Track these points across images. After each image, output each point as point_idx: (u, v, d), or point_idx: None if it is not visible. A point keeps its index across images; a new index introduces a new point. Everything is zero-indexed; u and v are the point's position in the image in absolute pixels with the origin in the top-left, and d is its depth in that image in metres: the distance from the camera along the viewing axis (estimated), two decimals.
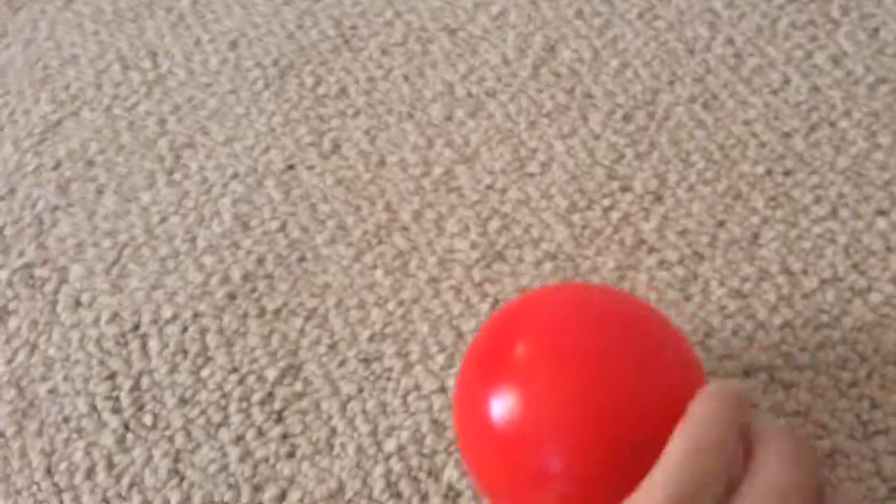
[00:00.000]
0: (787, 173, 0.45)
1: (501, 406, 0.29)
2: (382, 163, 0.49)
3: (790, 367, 0.39)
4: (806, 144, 0.46)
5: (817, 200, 0.44)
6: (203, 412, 0.40)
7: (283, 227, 0.46)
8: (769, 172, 0.46)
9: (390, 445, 0.39)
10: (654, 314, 0.31)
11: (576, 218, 0.45)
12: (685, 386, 0.28)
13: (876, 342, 0.39)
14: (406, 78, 0.52)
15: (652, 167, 0.47)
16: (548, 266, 0.44)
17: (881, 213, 0.43)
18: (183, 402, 0.41)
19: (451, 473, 0.38)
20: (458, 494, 0.37)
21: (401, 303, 0.43)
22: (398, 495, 0.37)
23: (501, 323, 0.32)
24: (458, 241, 0.45)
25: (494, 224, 0.45)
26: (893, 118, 0.47)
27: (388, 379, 0.41)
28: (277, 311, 0.43)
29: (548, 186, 0.47)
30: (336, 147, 0.50)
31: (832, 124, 0.47)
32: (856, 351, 0.39)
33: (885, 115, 0.47)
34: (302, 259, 0.45)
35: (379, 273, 0.44)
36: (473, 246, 0.45)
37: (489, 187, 0.47)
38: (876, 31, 0.51)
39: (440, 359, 0.41)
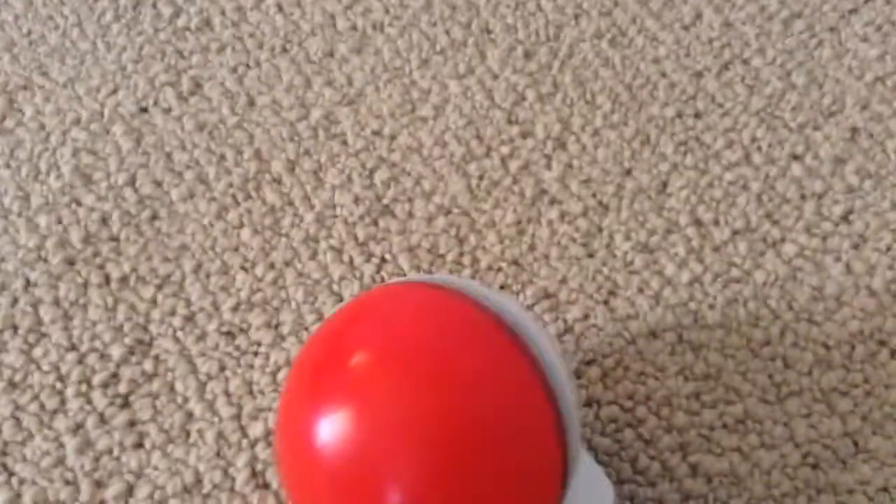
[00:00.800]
0: (697, 116, 0.42)
1: (332, 431, 0.24)
2: (251, 104, 0.43)
3: (699, 326, 0.36)
4: (718, 84, 0.43)
5: (729, 145, 0.41)
6: (35, 398, 0.34)
7: (132, 181, 0.40)
8: (679, 115, 0.42)
9: (257, 430, 0.34)
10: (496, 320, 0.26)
11: (472, 167, 0.41)
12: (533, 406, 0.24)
13: (789, 297, 0.36)
14: (280, 7, 0.46)
15: (555, 110, 0.42)
16: (441, 221, 0.39)
17: (796, 157, 0.40)
18: (12, 385, 0.35)
19: None
20: None
21: (271, 266, 0.38)
22: (265, 486, 0.33)
23: (331, 334, 0.27)
24: (339, 194, 0.40)
25: (381, 175, 0.40)
26: (808, 56, 0.43)
27: (256, 354, 0.36)
28: (124, 279, 0.37)
29: (441, 132, 0.42)
30: (197, 87, 0.43)
31: (745, 62, 0.43)
32: (768, 307, 0.36)
33: (800, 52, 0.43)
34: (154, 217, 0.39)
35: (246, 232, 0.39)
36: (357, 200, 0.40)
37: (376, 133, 0.42)
38: None
39: (316, 329, 0.36)
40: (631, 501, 0.32)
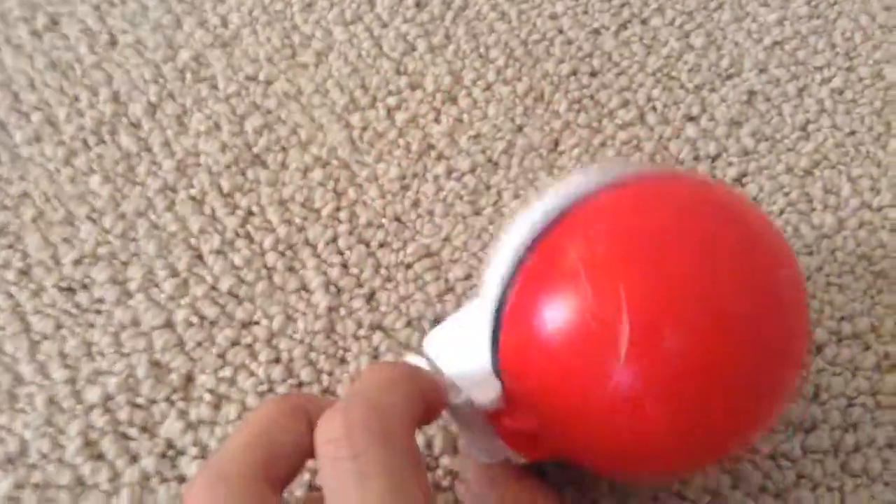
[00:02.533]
0: (593, 74, 0.40)
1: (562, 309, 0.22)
2: (113, 43, 0.39)
3: None
4: (615, 42, 0.41)
5: (624, 104, 0.39)
6: None
7: None
8: (574, 73, 0.40)
9: (93, 395, 0.30)
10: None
11: (355, 118, 0.38)
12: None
13: None
14: None
15: (446, 62, 0.40)
16: (318, 173, 0.36)
17: (691, 118, 0.38)
18: None
19: (172, 427, 0.29)
20: (180, 453, 0.29)
21: (122, 216, 0.34)
22: (99, 456, 0.29)
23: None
24: (204, 140, 0.36)
25: (254, 122, 0.37)
26: (708, 18, 0.42)
27: (98, 312, 0.32)
28: None
29: (323, 80, 0.39)
30: (53, 24, 0.39)
31: (643, 22, 0.42)
32: None
33: (699, 14, 0.42)
34: None
35: (95, 180, 0.35)
36: (224, 147, 0.36)
37: (250, 78, 0.38)
38: None
39: (168, 286, 0.32)
40: None
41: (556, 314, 0.23)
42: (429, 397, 0.23)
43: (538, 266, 0.24)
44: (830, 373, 0.31)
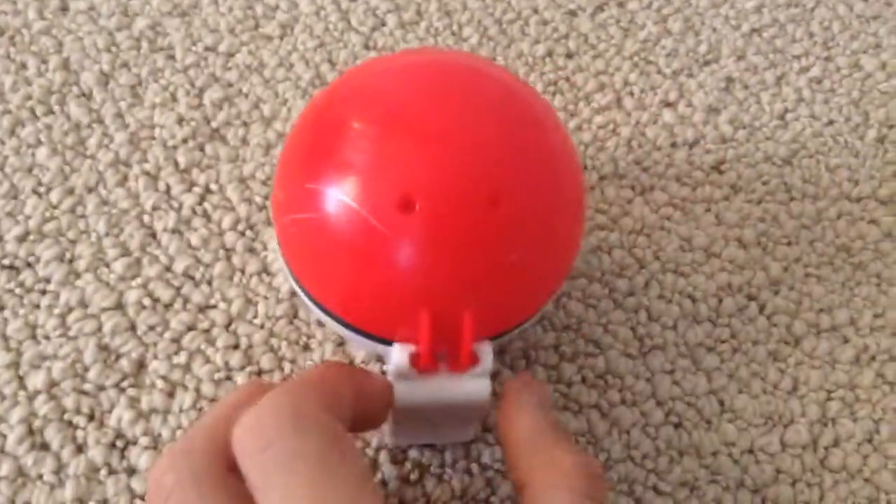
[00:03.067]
0: (569, 56, 0.39)
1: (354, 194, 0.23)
2: (64, 9, 0.37)
3: None
4: (592, 25, 0.40)
5: (600, 88, 0.38)
6: None
7: None
8: (550, 54, 0.38)
9: (37, 381, 0.28)
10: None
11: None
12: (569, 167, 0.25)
13: (656, 246, 0.33)
14: None
15: (418, 39, 0.38)
16: (279, 151, 0.34)
17: (668, 104, 0.37)
18: None
19: (121, 416, 0.28)
20: (130, 443, 0.27)
21: (70, 191, 0.32)
22: (43, 446, 0.27)
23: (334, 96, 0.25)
24: (160, 113, 0.34)
25: (213, 95, 0.35)
26: (686, 2, 0.41)
27: (43, 293, 0.30)
28: None
29: (288, 53, 0.37)
30: None
31: (621, 4, 0.41)
32: (634, 256, 0.33)
33: None
34: None
35: (42, 152, 0.33)
36: (181, 120, 0.34)
37: (210, 49, 0.36)
38: None
39: (119, 266, 0.30)
40: (479, 462, 0.28)
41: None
42: (367, 392, 0.22)
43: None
44: (809, 366, 0.31)
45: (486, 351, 0.23)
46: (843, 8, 0.41)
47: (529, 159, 0.23)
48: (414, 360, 0.23)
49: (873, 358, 0.31)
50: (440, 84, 0.24)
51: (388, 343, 0.24)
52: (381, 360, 0.29)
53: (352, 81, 0.26)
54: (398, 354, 0.23)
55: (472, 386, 0.23)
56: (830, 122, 0.37)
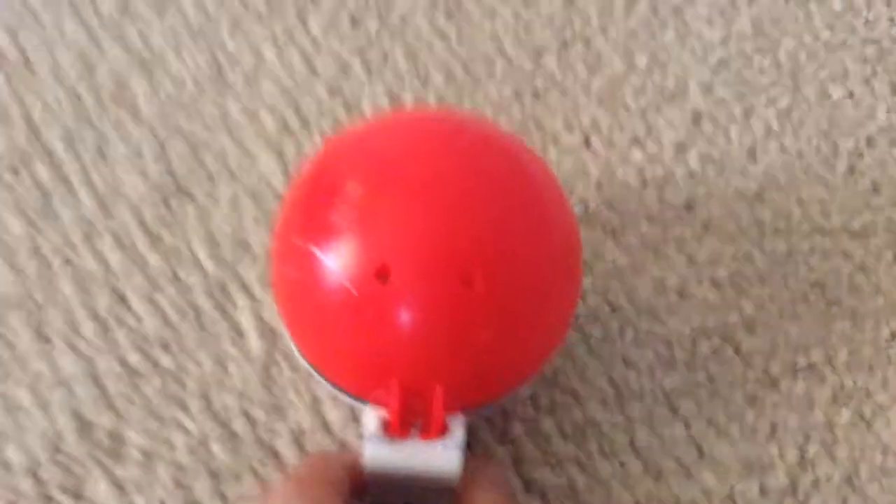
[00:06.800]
0: (536, 95, 0.39)
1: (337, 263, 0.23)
2: (27, 65, 0.36)
3: None
4: (558, 64, 0.40)
5: (568, 127, 0.38)
6: None
7: None
8: (517, 94, 0.38)
9: (13, 455, 0.27)
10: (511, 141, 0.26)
11: (287, 144, 0.35)
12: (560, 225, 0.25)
13: (630, 289, 0.33)
14: None
15: (383, 84, 0.38)
16: (247, 204, 0.34)
17: (636, 142, 0.37)
18: None
19: (95, 490, 0.27)
20: None
21: (36, 253, 0.31)
22: None
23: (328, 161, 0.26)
24: (125, 171, 0.34)
25: (177, 148, 0.35)
26: (651, 37, 0.41)
27: (14, 361, 0.29)
28: None
29: (253, 103, 0.37)
30: None
31: (587, 41, 0.41)
32: (607, 300, 0.33)
33: (643, 33, 0.41)
34: None
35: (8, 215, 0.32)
36: (146, 176, 0.34)
37: (173, 100, 0.36)
38: None
39: (88, 330, 0.30)
40: None
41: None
42: (355, 466, 0.24)
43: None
44: (786, 408, 0.31)
45: (458, 423, 0.23)
46: (809, 37, 0.42)
47: (514, 235, 0.23)
48: (384, 424, 0.23)
49: (850, 396, 0.31)
50: (431, 147, 0.24)
51: (364, 402, 0.24)
52: (356, 420, 0.29)
53: (348, 140, 0.26)
54: (369, 417, 0.23)
55: (442, 456, 0.23)
56: (800, 155, 0.37)
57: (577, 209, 0.35)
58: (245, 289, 0.31)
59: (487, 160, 0.25)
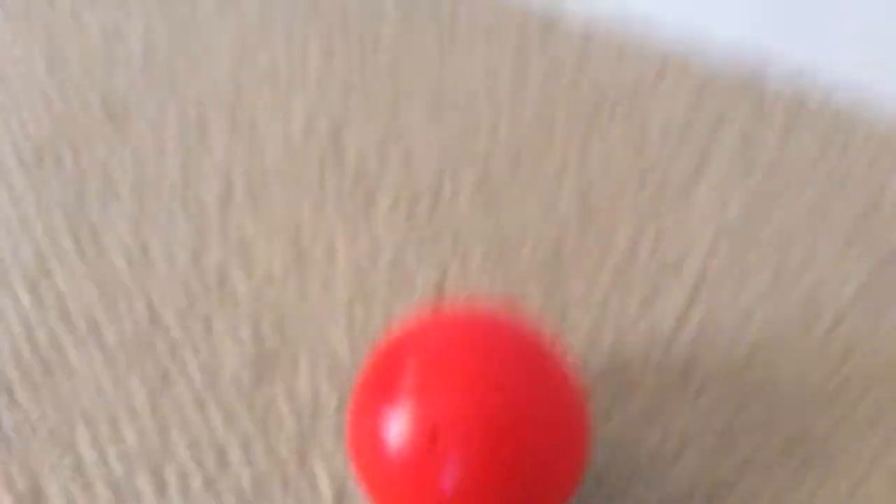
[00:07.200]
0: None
1: (398, 426, 0.31)
2: (145, 253, 0.45)
3: None
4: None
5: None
6: None
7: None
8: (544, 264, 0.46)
9: None
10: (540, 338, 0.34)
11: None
12: (572, 399, 0.32)
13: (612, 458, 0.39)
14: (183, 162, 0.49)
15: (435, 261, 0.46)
16: (324, 369, 0.41)
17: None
18: None
19: None
20: None
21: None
22: None
23: (392, 348, 0.34)
24: (227, 343, 0.42)
25: (268, 321, 0.43)
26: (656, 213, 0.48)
27: None
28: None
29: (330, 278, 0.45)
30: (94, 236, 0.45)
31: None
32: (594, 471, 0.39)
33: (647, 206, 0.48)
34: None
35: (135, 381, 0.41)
36: (241, 347, 0.42)
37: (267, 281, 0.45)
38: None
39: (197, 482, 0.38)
40: None
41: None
42: None
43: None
44: None
45: None
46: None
47: (531, 409, 0.31)
48: None
49: None
50: (471, 342, 0.33)
51: None
52: None
53: (404, 336, 0.34)
54: None
55: None
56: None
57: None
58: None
59: (513, 353, 0.32)
